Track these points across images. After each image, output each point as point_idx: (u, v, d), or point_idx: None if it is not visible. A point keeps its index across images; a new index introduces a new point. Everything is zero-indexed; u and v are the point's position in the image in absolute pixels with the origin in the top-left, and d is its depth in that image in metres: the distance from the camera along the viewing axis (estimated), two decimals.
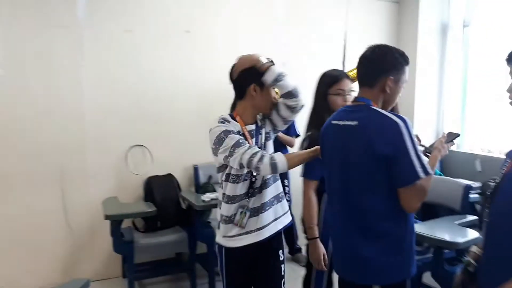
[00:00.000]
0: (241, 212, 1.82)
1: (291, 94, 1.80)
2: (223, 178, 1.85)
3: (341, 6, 4.16)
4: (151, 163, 3.49)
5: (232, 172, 1.80)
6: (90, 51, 3.25)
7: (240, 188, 1.82)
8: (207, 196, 3.11)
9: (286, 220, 1.94)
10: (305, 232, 2.06)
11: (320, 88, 2.16)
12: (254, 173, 1.80)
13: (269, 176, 1.86)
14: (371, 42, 1.63)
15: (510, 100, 1.40)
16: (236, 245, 1.85)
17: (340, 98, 2.08)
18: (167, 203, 3.33)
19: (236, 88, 1.86)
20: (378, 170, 1.47)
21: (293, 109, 1.84)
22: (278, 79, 1.77)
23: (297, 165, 1.81)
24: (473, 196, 3.05)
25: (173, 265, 3.47)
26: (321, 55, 3.99)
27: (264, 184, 1.86)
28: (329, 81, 2.12)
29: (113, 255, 3.19)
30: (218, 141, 1.72)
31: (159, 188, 3.37)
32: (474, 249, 1.49)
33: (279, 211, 1.91)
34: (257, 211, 1.84)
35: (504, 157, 1.51)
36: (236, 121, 1.82)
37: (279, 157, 1.71)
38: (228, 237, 1.86)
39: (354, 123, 1.53)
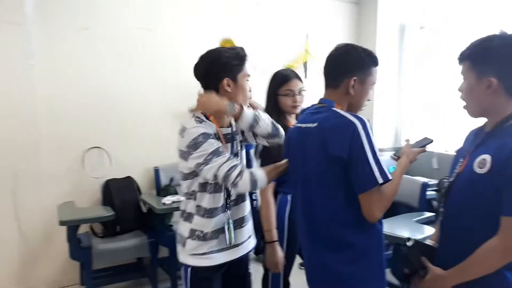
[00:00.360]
0: (228, 228, 1.63)
1: (271, 135, 1.70)
2: (197, 188, 1.61)
3: (302, 7, 4.19)
4: (109, 166, 3.38)
5: (210, 181, 1.59)
6: (42, 48, 3.10)
7: (220, 199, 1.63)
8: (168, 199, 3.04)
9: (254, 240, 1.83)
10: (262, 236, 2.03)
11: (270, 88, 2.13)
12: (230, 188, 1.61)
13: None
14: (333, 42, 1.59)
15: (461, 99, 1.44)
16: (208, 264, 1.64)
17: (290, 98, 2.06)
18: (127, 207, 3.23)
19: (205, 84, 1.64)
20: (334, 174, 1.40)
21: (273, 143, 1.74)
22: (254, 124, 1.63)
23: (274, 179, 1.71)
24: (430, 193, 3.14)
25: (134, 270, 3.38)
26: (284, 56, 4.00)
27: (241, 197, 1.71)
28: (279, 82, 2.10)
29: (70, 262, 3.06)
30: (194, 145, 1.51)
31: (118, 192, 3.26)
32: (428, 241, 1.55)
33: (251, 228, 1.80)
34: (235, 226, 1.67)
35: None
36: (210, 120, 1.62)
37: (259, 173, 1.57)
38: (198, 255, 1.64)
39: (314, 125, 1.47)
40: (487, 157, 1.30)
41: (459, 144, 1.59)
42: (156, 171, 3.51)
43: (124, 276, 3.30)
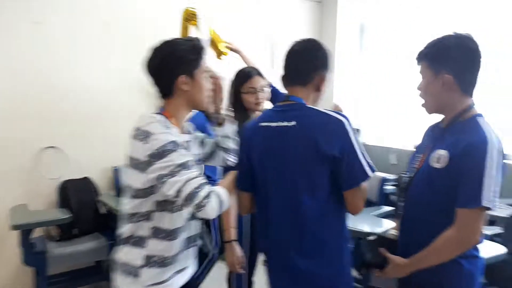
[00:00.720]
0: (191, 247, 1.49)
1: (227, 137, 1.62)
2: (153, 207, 1.37)
3: (268, 4, 4.20)
4: (66, 166, 3.24)
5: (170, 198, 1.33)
6: None
7: (183, 216, 1.43)
8: None
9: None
10: (221, 235, 2.01)
11: (232, 87, 2.12)
12: (192, 210, 1.35)
13: None
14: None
15: (420, 96, 1.49)
16: None
17: (253, 96, 2.06)
18: (84, 209, 3.11)
19: (158, 83, 1.44)
20: (322, 172, 1.37)
21: (227, 151, 1.63)
22: (223, 146, 1.58)
23: None
24: (388, 188, 3.24)
25: (92, 273, 3.26)
26: (250, 53, 3.97)
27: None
28: (241, 79, 2.09)
29: (24, 267, 2.91)
30: (160, 154, 1.27)
31: (76, 193, 3.14)
32: (392, 232, 1.64)
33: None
34: (190, 244, 1.52)
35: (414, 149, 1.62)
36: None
37: (224, 194, 1.37)
38: (157, 284, 1.41)
39: (292, 123, 1.39)
40: (443, 152, 1.36)
41: (417, 140, 1.64)
42: (116, 171, 3.40)
43: (82, 280, 3.18)
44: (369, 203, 3.07)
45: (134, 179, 1.35)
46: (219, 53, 2.75)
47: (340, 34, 4.45)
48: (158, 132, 1.30)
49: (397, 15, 4.26)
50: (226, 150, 1.62)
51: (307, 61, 1.43)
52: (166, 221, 1.38)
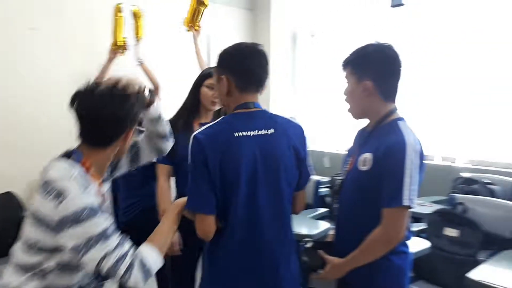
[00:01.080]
0: None
1: (169, 135, 1.52)
2: (52, 266, 1.18)
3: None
4: None
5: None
6: None
7: (82, 275, 1.25)
8: None
9: None
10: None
11: (195, 82, 2.15)
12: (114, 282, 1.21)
13: None
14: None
15: (346, 101, 1.57)
16: None
17: (211, 91, 2.07)
18: (6, 227, 2.87)
19: (95, 131, 1.22)
20: (297, 176, 1.46)
21: (164, 137, 1.50)
22: (158, 119, 1.43)
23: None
24: (323, 190, 3.35)
25: None
26: (183, 60, 3.92)
27: None
28: (206, 75, 2.13)
29: None
30: (74, 220, 1.10)
31: None
32: (331, 233, 1.72)
33: None
34: None
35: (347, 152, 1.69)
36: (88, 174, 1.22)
37: (150, 256, 1.20)
38: None
39: (271, 131, 1.39)
40: (368, 155, 1.45)
41: (348, 143, 1.72)
42: None
43: None
44: (306, 206, 3.15)
45: (37, 233, 1.15)
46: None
47: (274, 42, 4.54)
48: (73, 195, 1.11)
49: (331, 23, 4.45)
50: (162, 136, 1.48)
51: (265, 67, 1.42)
52: (63, 280, 1.21)
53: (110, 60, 3.05)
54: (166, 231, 1.31)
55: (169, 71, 3.59)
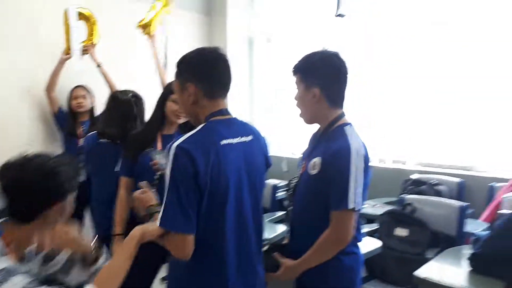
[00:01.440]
0: None
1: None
2: None
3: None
4: None
5: None
6: None
7: None
8: None
9: None
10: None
11: (162, 95, 2.12)
12: None
13: None
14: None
15: (297, 107, 1.61)
16: None
17: (176, 105, 2.03)
18: None
19: (13, 202, 1.11)
20: (265, 183, 1.52)
21: None
22: None
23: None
24: (280, 194, 3.40)
25: None
26: (142, 68, 3.85)
27: None
28: (171, 90, 2.04)
29: None
30: None
31: None
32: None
33: None
34: None
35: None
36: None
37: None
38: None
39: (249, 138, 1.40)
40: (317, 160, 1.49)
41: (305, 147, 1.76)
42: None
43: None
44: (264, 210, 3.18)
45: None
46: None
47: (230, 47, 4.56)
48: None
49: (287, 28, 4.52)
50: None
51: (230, 72, 1.39)
52: None
53: (61, 64, 3.01)
54: (116, 270, 1.16)
55: (126, 74, 3.52)
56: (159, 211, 1.24)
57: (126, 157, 2.08)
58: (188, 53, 1.39)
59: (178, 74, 1.38)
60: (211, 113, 1.34)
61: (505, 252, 1.73)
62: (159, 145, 2.04)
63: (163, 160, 1.86)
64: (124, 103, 2.39)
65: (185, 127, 1.98)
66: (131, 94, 2.44)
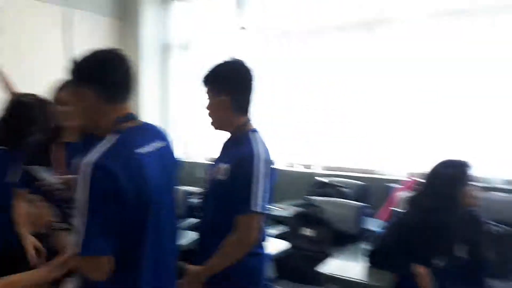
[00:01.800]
0: None
1: None
2: None
3: (60, 20, 3.91)
4: None
5: None
6: None
7: None
8: None
9: None
10: None
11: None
12: None
13: None
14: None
15: (208, 115, 1.64)
16: None
17: (62, 107, 1.89)
18: None
19: None
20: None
21: None
22: None
23: None
24: (193, 200, 3.39)
25: None
26: (43, 70, 3.61)
27: None
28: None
29: None
30: None
31: None
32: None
33: None
34: None
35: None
36: None
37: None
38: None
39: (163, 143, 1.34)
40: (224, 166, 1.53)
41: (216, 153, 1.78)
42: None
43: None
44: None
45: None
46: None
47: (143, 53, 4.48)
48: None
49: (204, 36, 4.54)
50: None
51: (132, 74, 1.27)
52: None
53: None
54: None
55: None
56: (64, 229, 1.15)
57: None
58: (85, 55, 1.26)
59: (75, 78, 1.26)
60: (116, 119, 1.22)
61: (395, 246, 1.92)
62: (59, 154, 1.91)
63: (52, 179, 1.72)
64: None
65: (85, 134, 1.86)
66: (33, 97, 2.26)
